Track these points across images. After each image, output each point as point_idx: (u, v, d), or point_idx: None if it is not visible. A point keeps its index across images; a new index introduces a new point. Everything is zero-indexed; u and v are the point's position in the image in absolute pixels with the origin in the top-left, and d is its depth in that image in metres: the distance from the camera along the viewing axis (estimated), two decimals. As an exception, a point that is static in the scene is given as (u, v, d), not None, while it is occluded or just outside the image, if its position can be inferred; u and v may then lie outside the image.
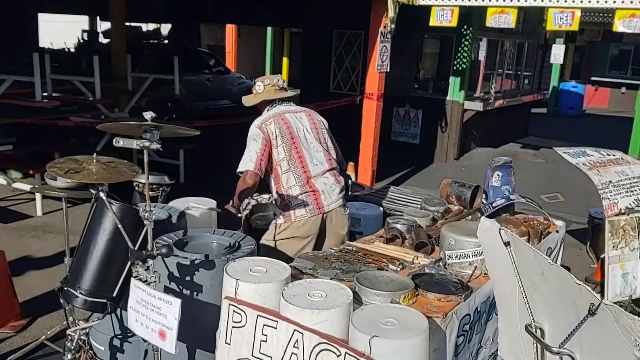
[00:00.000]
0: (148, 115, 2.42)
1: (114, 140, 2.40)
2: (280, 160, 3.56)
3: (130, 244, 2.61)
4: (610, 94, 20.65)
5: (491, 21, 6.87)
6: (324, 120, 3.85)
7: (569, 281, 1.58)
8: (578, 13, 6.35)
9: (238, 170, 3.51)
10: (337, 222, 3.70)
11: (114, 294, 2.88)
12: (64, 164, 2.58)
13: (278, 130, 3.55)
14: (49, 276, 4.88)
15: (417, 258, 3.14)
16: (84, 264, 2.87)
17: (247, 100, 3.77)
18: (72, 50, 15.66)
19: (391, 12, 6.75)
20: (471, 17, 9.43)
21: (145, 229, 2.62)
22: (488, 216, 3.82)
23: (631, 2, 5.96)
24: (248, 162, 3.48)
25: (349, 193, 4.01)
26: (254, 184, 3.50)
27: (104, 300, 2.87)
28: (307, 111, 3.78)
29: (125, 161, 2.77)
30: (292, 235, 3.59)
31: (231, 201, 3.68)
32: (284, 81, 3.79)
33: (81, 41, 16.92)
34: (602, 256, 4.24)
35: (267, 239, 3.65)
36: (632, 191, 3.97)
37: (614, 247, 3.85)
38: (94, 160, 2.62)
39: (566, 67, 20.21)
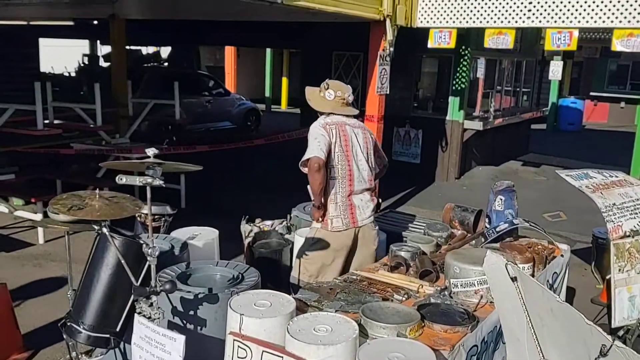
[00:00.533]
0: (151, 151, 2.42)
1: (116, 177, 2.40)
2: (332, 165, 3.66)
3: (133, 279, 2.59)
4: (609, 108, 20.70)
5: (489, 42, 6.91)
6: (374, 138, 3.99)
7: (579, 320, 1.56)
8: (576, 33, 6.39)
9: (302, 160, 3.57)
10: (368, 237, 3.83)
11: (117, 329, 2.85)
12: (67, 200, 2.57)
13: (338, 138, 3.66)
14: (51, 306, 4.84)
15: (422, 287, 3.13)
16: (87, 299, 2.85)
17: (312, 99, 3.87)
18: (73, 74, 15.75)
19: (390, 35, 6.78)
20: (469, 37, 9.49)
21: (148, 263, 2.60)
22: (491, 241, 3.81)
23: (629, 21, 6.00)
24: (316, 150, 3.52)
25: (378, 211, 4.13)
26: (322, 171, 3.51)
27: (107, 335, 2.84)
28: (363, 127, 3.89)
29: (128, 195, 2.76)
30: (327, 245, 3.69)
31: (312, 204, 3.77)
32: (353, 96, 3.87)
33: (82, 65, 17.03)
34: (607, 277, 4.20)
35: (302, 251, 3.80)
36: (636, 213, 3.95)
37: (619, 270, 3.82)
38: (97, 196, 2.61)
39: (565, 83, 20.29)
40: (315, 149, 3.51)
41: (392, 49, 6.91)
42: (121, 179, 2.39)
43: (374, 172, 3.91)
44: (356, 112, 3.89)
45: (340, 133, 3.67)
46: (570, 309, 1.60)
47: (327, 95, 3.76)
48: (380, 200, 4.08)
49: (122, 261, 2.61)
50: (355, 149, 3.72)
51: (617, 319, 3.84)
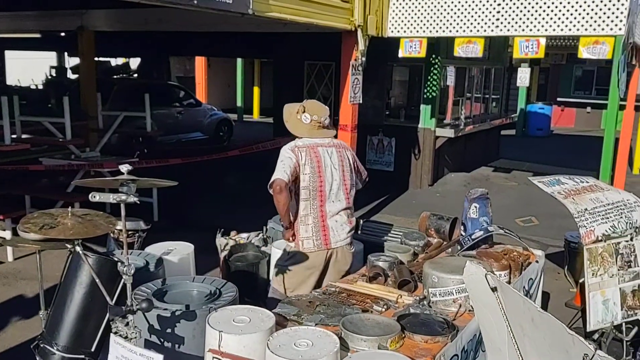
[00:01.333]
0: (124, 168, 2.38)
1: (90, 195, 2.35)
2: (303, 187, 3.65)
3: (108, 299, 2.53)
4: (576, 114, 21.16)
5: (459, 51, 7.00)
6: (352, 155, 3.94)
7: (561, 330, 1.57)
8: (543, 41, 6.51)
9: (270, 182, 3.57)
10: (341, 258, 3.78)
11: (92, 349, 2.78)
12: (38, 219, 2.51)
13: (308, 160, 3.64)
14: (23, 326, 4.72)
15: (401, 297, 3.13)
16: (61, 319, 2.78)
17: (289, 121, 3.82)
18: (41, 87, 15.46)
19: (361, 45, 6.82)
20: (439, 46, 9.60)
21: (122, 281, 2.55)
22: (467, 248, 3.84)
23: (594, 29, 6.14)
24: (280, 173, 3.56)
25: (359, 232, 4.14)
26: (284, 192, 3.53)
27: (82, 356, 2.77)
28: (338, 146, 3.85)
29: (101, 213, 2.70)
30: (301, 262, 3.68)
31: (282, 227, 3.79)
32: (329, 119, 3.84)
33: (50, 78, 16.74)
34: (581, 280, 4.27)
35: (278, 265, 3.81)
36: (607, 218, 4.02)
37: (593, 274, 3.88)
38: (69, 214, 2.55)
39: (532, 90, 20.67)
40: (279, 172, 3.55)
41: (364, 59, 6.95)
42: (94, 197, 2.34)
43: (354, 190, 3.88)
44: (332, 134, 3.86)
45: (311, 154, 3.66)
46: (552, 318, 1.61)
47: (304, 118, 3.73)
48: (361, 222, 4.07)
49: (97, 280, 2.55)
50: (328, 169, 3.70)
51: (592, 323, 3.89)
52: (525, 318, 1.77)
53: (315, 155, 3.68)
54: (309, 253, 3.66)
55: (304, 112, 3.73)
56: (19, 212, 6.36)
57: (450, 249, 4.07)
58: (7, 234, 6.31)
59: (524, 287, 3.59)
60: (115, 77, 15.81)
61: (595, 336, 3.96)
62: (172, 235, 4.24)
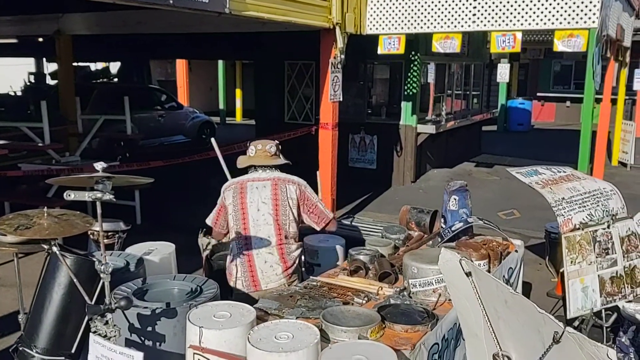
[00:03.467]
0: (99, 165, 2.37)
1: (64, 193, 2.33)
2: (230, 227, 3.67)
3: (87, 298, 2.52)
4: (556, 108, 21.40)
5: (437, 46, 7.06)
6: (294, 192, 3.59)
7: (532, 310, 1.59)
8: (519, 35, 6.58)
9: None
10: None
11: (73, 350, 2.76)
12: (13, 220, 2.49)
13: (232, 199, 3.61)
14: (1, 333, 4.67)
15: (382, 289, 3.14)
16: (40, 321, 2.76)
17: (240, 162, 3.77)
18: (19, 93, 15.30)
19: (340, 43, 6.84)
20: (418, 42, 9.66)
21: (102, 281, 2.54)
22: (448, 240, 3.87)
23: (568, 23, 6.22)
24: (210, 217, 3.76)
25: (302, 268, 3.95)
26: (216, 236, 3.80)
27: (62, 358, 2.75)
28: (275, 180, 3.59)
29: (78, 212, 2.69)
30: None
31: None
32: (278, 148, 3.74)
33: (28, 84, 16.57)
34: (561, 270, 4.32)
35: None
36: (584, 206, 4.07)
37: (572, 262, 3.93)
38: (45, 214, 2.53)
39: (512, 85, 20.86)
40: (210, 215, 3.77)
41: (343, 57, 6.97)
42: (69, 195, 2.32)
43: (292, 227, 3.59)
44: (281, 162, 3.67)
45: (237, 192, 3.59)
46: (523, 299, 1.64)
47: (250, 152, 3.69)
48: (302, 268, 3.87)
49: (75, 280, 2.54)
50: (253, 205, 3.53)
51: (572, 310, 3.94)
52: (499, 301, 1.79)
53: (241, 192, 3.57)
54: (241, 294, 3.49)
55: (249, 147, 3.73)
56: (-2, 219, 6.29)
57: (431, 242, 4.11)
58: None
59: (503, 276, 3.63)
60: (95, 81, 15.70)
61: (576, 323, 4.01)
62: (154, 237, 4.20)
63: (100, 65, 18.53)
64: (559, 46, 6.45)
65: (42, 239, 2.49)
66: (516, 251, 3.91)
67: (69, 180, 2.46)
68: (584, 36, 6.24)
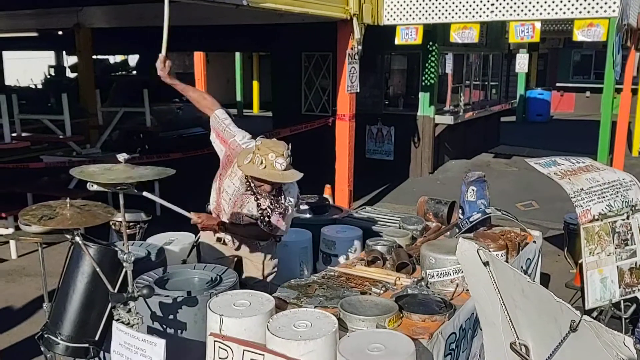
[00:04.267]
0: (122, 157, 2.41)
1: (87, 184, 2.38)
2: None
3: (110, 287, 2.57)
4: (575, 98, 21.14)
5: (455, 37, 7.02)
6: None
7: (550, 299, 1.60)
8: (538, 25, 6.52)
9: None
10: None
11: (96, 338, 2.82)
12: (37, 211, 2.54)
13: None
14: (28, 321, 4.78)
15: (399, 279, 3.16)
16: (64, 310, 2.82)
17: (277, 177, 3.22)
18: (40, 86, 15.50)
19: (357, 34, 6.83)
20: (435, 33, 9.60)
21: (124, 270, 2.59)
22: (466, 231, 3.87)
23: (588, 12, 6.14)
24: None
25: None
26: None
27: (86, 345, 2.81)
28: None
29: (100, 203, 2.74)
30: None
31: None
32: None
33: (48, 77, 16.78)
34: (580, 261, 4.30)
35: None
36: (603, 197, 4.05)
37: (590, 253, 3.91)
38: (67, 205, 2.58)
39: (531, 75, 20.64)
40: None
41: (360, 48, 6.97)
42: (92, 186, 2.37)
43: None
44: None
45: None
46: (540, 288, 1.65)
47: (278, 165, 3.14)
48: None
49: (98, 269, 2.59)
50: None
51: (591, 301, 3.93)
52: (516, 290, 1.81)
53: None
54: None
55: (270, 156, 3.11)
56: (21, 210, 6.42)
57: (448, 233, 4.11)
58: (10, 231, 6.37)
59: (521, 266, 3.62)
60: (114, 74, 15.84)
61: (594, 314, 4.00)
62: (174, 229, 4.27)
63: (118, 58, 18.70)
64: (578, 36, 6.38)
65: (65, 229, 2.54)
66: (534, 242, 3.90)
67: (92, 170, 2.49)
68: (604, 25, 6.17)
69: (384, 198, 9.04)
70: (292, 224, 4.56)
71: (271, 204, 3.32)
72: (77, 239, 2.58)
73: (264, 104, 20.68)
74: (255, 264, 3.53)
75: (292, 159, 3.11)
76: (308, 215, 4.90)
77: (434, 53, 10.05)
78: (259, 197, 3.32)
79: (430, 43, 9.82)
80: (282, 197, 3.34)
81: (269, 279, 3.56)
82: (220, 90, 21.67)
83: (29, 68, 18.81)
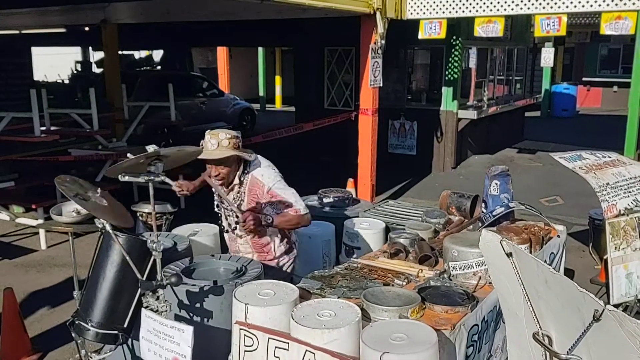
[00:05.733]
0: (151, 148, 2.47)
1: (119, 175, 2.45)
2: None
3: (139, 275, 2.64)
4: (602, 93, 20.79)
5: (479, 31, 6.98)
6: None
7: (573, 289, 1.62)
8: (565, 18, 6.45)
9: (305, 211, 3.43)
10: None
11: (125, 325, 2.90)
12: (72, 185, 2.63)
13: None
14: (57, 310, 4.91)
15: (422, 271, 3.18)
16: (94, 297, 2.90)
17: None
18: (67, 81, 15.76)
19: (381, 28, 6.84)
20: (459, 27, 9.55)
21: (152, 258, 2.66)
22: (489, 225, 3.87)
23: (616, 4, 6.06)
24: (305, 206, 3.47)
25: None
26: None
27: (116, 332, 2.89)
28: None
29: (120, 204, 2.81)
30: None
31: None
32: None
33: (75, 72, 17.04)
34: (605, 257, 4.27)
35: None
36: (630, 192, 4.02)
37: (615, 248, 3.89)
38: (98, 192, 2.66)
39: (557, 70, 20.37)
40: (303, 205, 3.45)
41: (383, 42, 6.98)
42: (124, 177, 2.44)
43: None
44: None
45: None
46: (564, 278, 1.66)
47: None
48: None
49: (127, 257, 2.66)
50: None
51: (615, 297, 3.91)
52: (539, 281, 1.82)
53: None
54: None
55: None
56: (51, 202, 6.56)
57: (471, 226, 4.11)
58: (40, 222, 6.51)
59: (545, 260, 3.61)
60: (138, 69, 16.03)
61: (619, 310, 3.97)
62: (198, 221, 4.34)
63: (143, 54, 18.91)
64: (605, 29, 6.30)
65: (97, 217, 2.62)
66: (558, 236, 3.88)
67: (125, 167, 2.53)
68: (632, 18, 6.08)
69: (406, 193, 9.04)
70: (316, 217, 4.62)
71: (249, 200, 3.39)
72: (108, 227, 2.66)
73: (286, 98, 20.74)
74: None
75: (237, 145, 3.30)
76: (331, 209, 4.95)
77: (457, 47, 9.99)
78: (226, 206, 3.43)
79: (454, 37, 9.76)
80: (247, 182, 3.39)
81: (284, 267, 3.60)
82: (242, 85, 21.83)
83: (56, 63, 19.13)
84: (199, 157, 3.15)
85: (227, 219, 3.58)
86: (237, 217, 3.37)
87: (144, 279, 2.71)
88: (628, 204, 4.00)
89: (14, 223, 7.05)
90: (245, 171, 3.40)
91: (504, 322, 3.02)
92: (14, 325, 4.07)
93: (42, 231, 6.48)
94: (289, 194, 3.40)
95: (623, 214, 3.96)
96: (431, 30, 7.25)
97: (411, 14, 7.27)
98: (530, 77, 14.42)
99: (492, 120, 11.47)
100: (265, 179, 3.38)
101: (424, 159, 10.47)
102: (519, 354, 2.17)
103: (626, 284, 3.95)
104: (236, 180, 3.40)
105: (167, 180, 3.16)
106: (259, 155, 3.52)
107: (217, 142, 3.25)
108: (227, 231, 3.60)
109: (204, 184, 3.68)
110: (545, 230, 3.82)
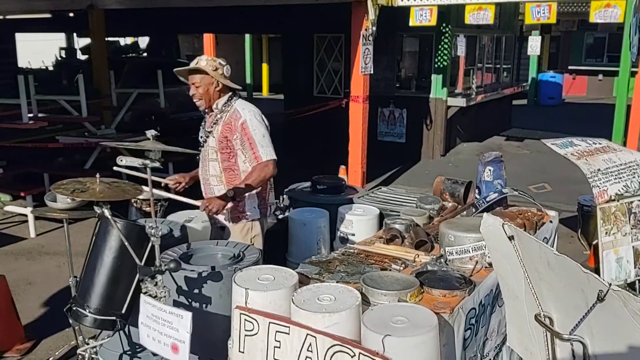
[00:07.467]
0: (150, 133, 2.46)
1: (117, 158, 2.44)
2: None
3: (137, 260, 2.64)
4: (588, 81, 20.98)
5: (470, 18, 7.00)
6: None
7: (577, 270, 1.64)
8: (555, 5, 6.48)
9: (267, 157, 3.47)
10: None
11: (123, 311, 2.90)
12: (69, 185, 2.60)
13: None
14: (49, 297, 4.88)
15: (418, 256, 3.20)
16: (92, 283, 2.89)
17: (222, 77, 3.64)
18: (52, 68, 15.55)
19: (372, 15, 6.82)
20: (449, 14, 9.56)
21: (150, 244, 2.65)
22: (482, 210, 3.90)
23: (606, -8, 6.10)
24: (273, 151, 3.49)
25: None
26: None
27: (113, 318, 2.89)
28: None
29: (127, 181, 2.80)
30: None
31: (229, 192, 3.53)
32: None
33: (59, 59, 16.81)
34: (594, 242, 4.34)
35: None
36: (620, 178, 4.08)
37: (606, 233, 3.95)
38: (97, 181, 2.64)
39: (543, 58, 20.48)
40: (272, 150, 3.52)
41: (374, 29, 6.96)
42: (122, 160, 2.42)
43: None
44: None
45: None
46: (568, 259, 1.68)
47: (226, 72, 3.68)
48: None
49: (126, 243, 2.65)
50: None
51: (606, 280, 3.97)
52: (541, 262, 1.84)
53: None
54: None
55: (224, 65, 3.67)
56: (39, 189, 6.51)
57: (465, 212, 4.14)
58: (28, 210, 6.46)
59: (538, 245, 3.66)
60: (124, 56, 15.84)
61: (609, 294, 4.04)
62: (193, 208, 4.33)
63: (129, 40, 18.68)
64: (595, 17, 6.35)
65: (93, 202, 2.60)
66: (551, 222, 3.92)
67: (122, 148, 2.54)
68: (621, 6, 6.13)
69: (396, 180, 9.07)
70: (309, 203, 4.63)
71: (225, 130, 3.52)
72: (106, 212, 2.65)
73: (273, 86, 20.66)
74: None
75: (219, 71, 3.56)
76: (325, 196, 4.95)
77: (447, 35, 10.01)
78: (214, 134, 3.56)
79: (444, 25, 9.77)
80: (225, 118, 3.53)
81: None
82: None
83: (40, 50, 18.84)
84: (175, 71, 3.49)
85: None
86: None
87: (142, 264, 2.71)
88: (619, 190, 4.06)
89: (1, 211, 6.98)
90: (231, 102, 3.52)
91: (499, 306, 3.06)
92: (7, 312, 4.05)
93: (31, 219, 6.42)
94: (259, 136, 3.46)
95: (614, 200, 4.02)
96: (422, 18, 7.25)
97: (402, 0, 7.26)
98: (517, 66, 14.48)
99: (481, 108, 11.53)
100: (245, 112, 3.51)
101: (414, 146, 10.50)
102: (519, 335, 2.21)
103: (616, 268, 4.02)
104: (217, 106, 3.52)
105: (190, 201, 3.47)
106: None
107: (197, 61, 3.50)
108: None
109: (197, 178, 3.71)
110: (538, 215, 3.86)
